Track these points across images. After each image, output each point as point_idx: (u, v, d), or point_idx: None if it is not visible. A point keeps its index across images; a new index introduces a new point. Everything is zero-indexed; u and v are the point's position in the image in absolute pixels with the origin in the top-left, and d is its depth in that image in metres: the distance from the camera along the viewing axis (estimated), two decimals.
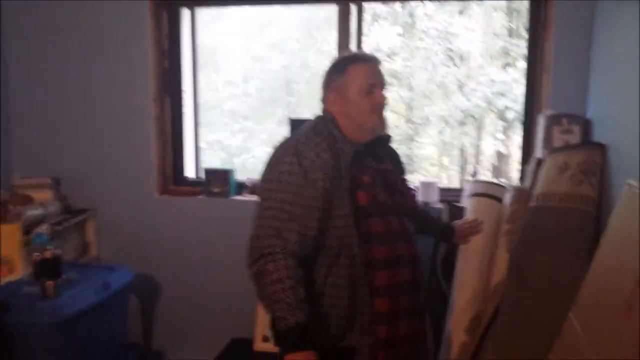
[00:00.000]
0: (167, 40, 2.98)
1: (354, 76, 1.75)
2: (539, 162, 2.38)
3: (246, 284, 1.68)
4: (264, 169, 1.74)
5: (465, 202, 2.47)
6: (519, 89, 4.32)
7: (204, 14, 3.10)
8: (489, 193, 2.43)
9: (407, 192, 1.98)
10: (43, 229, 2.45)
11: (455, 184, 3.66)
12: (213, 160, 4.48)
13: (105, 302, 2.33)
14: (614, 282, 1.48)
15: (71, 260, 2.74)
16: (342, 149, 1.72)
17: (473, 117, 4.68)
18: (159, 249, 3.00)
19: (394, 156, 1.97)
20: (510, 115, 4.38)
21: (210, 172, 2.98)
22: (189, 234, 2.97)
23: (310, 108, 4.98)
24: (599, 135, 2.25)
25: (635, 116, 1.85)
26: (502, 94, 4.40)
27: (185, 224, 2.97)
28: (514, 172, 4.87)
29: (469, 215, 2.38)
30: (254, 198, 2.89)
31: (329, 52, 4.94)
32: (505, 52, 4.91)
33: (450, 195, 2.70)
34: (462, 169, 5.12)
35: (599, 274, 1.60)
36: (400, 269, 1.74)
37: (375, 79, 1.77)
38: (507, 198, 2.39)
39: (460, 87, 4.67)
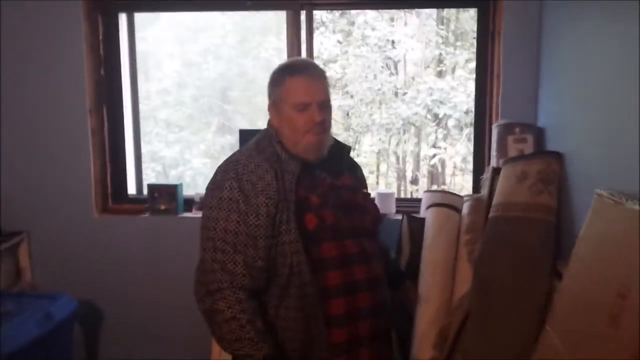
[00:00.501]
0: (103, 47, 2.79)
1: (289, 90, 1.60)
2: (495, 171, 2.39)
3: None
4: (205, 193, 1.63)
5: (424, 213, 2.45)
6: (458, 97, 4.43)
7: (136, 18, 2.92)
8: (447, 203, 2.42)
9: (368, 209, 1.79)
10: None
11: (393, 191, 3.66)
12: (148, 173, 4.27)
13: (48, 335, 2.13)
14: (594, 293, 1.48)
15: (4, 288, 2.49)
16: (286, 168, 1.60)
17: (413, 124, 4.73)
18: (101, 273, 2.79)
19: (353, 169, 1.86)
20: (450, 123, 4.46)
21: (154, 188, 2.81)
22: (134, 256, 2.78)
23: (247, 117, 4.90)
24: (553, 143, 2.29)
25: (589, 123, 1.90)
26: (442, 102, 4.47)
27: (129, 245, 2.78)
28: (450, 179, 4.98)
29: (428, 227, 2.36)
30: None
31: (267, 58, 4.88)
32: (440, 60, 5.00)
33: (406, 206, 2.67)
34: (400, 176, 5.17)
35: (576, 285, 1.61)
36: (358, 294, 1.62)
37: (310, 96, 1.59)
38: (465, 208, 2.40)
39: (398, 94, 4.71)
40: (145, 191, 2.89)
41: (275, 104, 1.65)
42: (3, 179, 2.76)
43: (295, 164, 1.61)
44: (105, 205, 2.87)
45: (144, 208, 2.82)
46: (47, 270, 2.80)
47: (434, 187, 4.72)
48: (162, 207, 2.79)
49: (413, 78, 4.75)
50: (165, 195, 2.79)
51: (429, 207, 2.44)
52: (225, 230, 1.52)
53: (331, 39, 4.53)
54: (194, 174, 4.89)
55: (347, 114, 4.92)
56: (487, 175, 2.48)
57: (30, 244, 2.79)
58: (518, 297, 2.00)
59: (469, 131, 4.32)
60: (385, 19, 4.62)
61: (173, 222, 2.76)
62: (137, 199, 2.90)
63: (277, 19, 4.55)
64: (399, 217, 2.53)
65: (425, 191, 2.58)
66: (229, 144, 4.66)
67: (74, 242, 2.79)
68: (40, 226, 2.79)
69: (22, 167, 2.76)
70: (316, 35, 4.45)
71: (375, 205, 1.92)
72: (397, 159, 5.09)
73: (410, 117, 4.62)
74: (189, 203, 2.83)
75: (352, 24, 4.56)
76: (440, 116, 4.49)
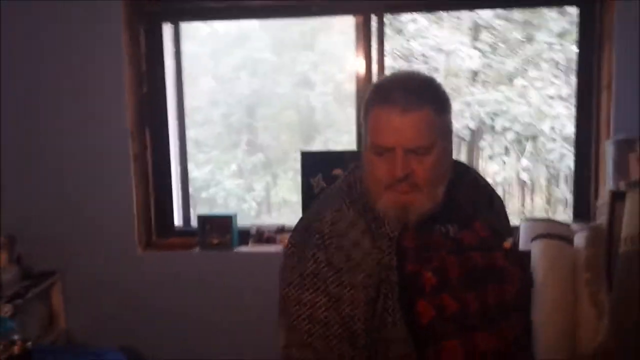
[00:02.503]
0: (146, 60, 2.45)
1: (370, 123, 1.12)
2: (616, 196, 2.04)
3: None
4: (284, 260, 1.21)
5: (528, 246, 2.10)
6: (517, 108, 4.07)
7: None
8: (556, 233, 2.08)
9: (510, 274, 1.20)
10: (5, 311, 1.86)
11: None
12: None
13: None
14: None
15: (40, 342, 2.14)
16: (382, 228, 1.14)
17: (462, 139, 4.38)
18: (146, 319, 2.44)
19: (489, 207, 1.29)
20: (509, 136, 4.11)
21: (205, 219, 2.46)
22: (183, 297, 2.43)
23: (273, 133, 4.61)
24: None
25: None
26: (496, 114, 4.12)
27: (178, 285, 2.43)
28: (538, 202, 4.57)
29: (536, 262, 2.01)
30: (264, 248, 2.44)
31: (302, 73, 4.58)
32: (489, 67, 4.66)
33: None
34: None
35: None
36: None
37: (393, 137, 1.07)
38: (580, 240, 2.05)
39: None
40: (193, 223, 2.55)
41: (363, 137, 1.18)
42: (34, 211, 2.41)
43: (393, 223, 1.13)
44: (149, 239, 2.52)
45: (193, 242, 2.47)
46: (84, 316, 2.44)
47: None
48: (215, 241, 2.44)
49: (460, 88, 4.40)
50: (217, 227, 2.45)
51: (534, 239, 2.09)
52: (311, 318, 1.13)
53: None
54: (226, 195, 4.59)
55: None
56: (603, 201, 2.13)
57: (65, 286, 2.43)
58: None
59: (531, 145, 3.97)
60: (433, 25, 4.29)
61: (227, 258, 2.42)
62: (185, 232, 2.56)
63: (312, 30, 4.22)
64: None
65: (525, 219, 2.23)
66: (261, 163, 4.37)
67: (115, 283, 2.44)
68: (75, 266, 2.44)
69: (54, 197, 2.42)
70: None
71: (523, 259, 1.40)
72: None
73: (459, 130, 4.27)
74: (243, 235, 2.48)
75: (400, 31, 4.23)
76: (497, 129, 4.13)
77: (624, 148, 2.10)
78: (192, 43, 4.20)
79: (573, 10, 2.37)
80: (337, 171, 2.37)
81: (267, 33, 4.35)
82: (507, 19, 4.14)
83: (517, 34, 4.23)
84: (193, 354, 2.40)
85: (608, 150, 2.15)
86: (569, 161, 3.33)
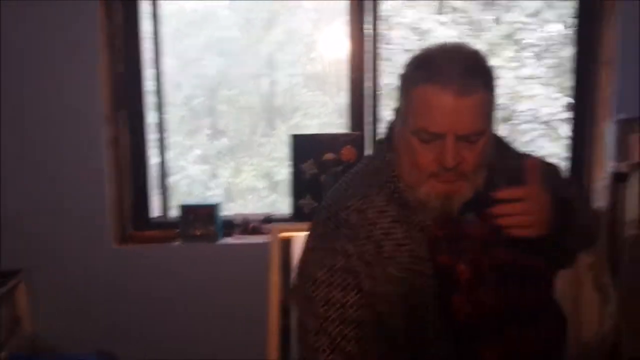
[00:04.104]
0: (122, 38, 2.24)
1: (416, 104, 0.98)
2: (619, 178, 2.02)
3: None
4: (303, 255, 1.11)
5: None
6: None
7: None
8: None
9: (536, 267, 1.09)
10: None
11: None
12: None
13: None
14: None
15: (3, 349, 1.92)
16: (414, 218, 1.04)
17: None
18: (124, 319, 2.25)
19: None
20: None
21: (187, 210, 2.29)
22: (164, 295, 2.25)
23: (236, 117, 4.44)
24: None
25: None
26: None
27: (158, 282, 2.25)
28: None
29: None
30: (250, 239, 2.29)
31: (269, 54, 4.41)
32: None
33: None
34: None
35: None
36: None
37: (446, 122, 0.95)
38: None
39: None
40: (171, 213, 2.39)
41: (399, 115, 1.05)
42: None
43: (426, 212, 1.03)
44: (125, 232, 2.32)
45: (174, 234, 2.29)
46: (54, 318, 2.22)
47: None
48: (198, 232, 2.27)
49: None
50: (200, 218, 2.28)
51: None
52: (343, 319, 1.02)
53: None
54: (190, 182, 4.40)
55: None
56: (604, 183, 2.11)
57: (31, 286, 2.20)
58: None
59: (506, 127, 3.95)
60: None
61: (212, 250, 2.26)
62: (164, 224, 2.37)
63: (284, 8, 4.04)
64: None
65: None
66: (226, 148, 4.20)
67: (88, 281, 2.23)
68: (43, 262, 2.20)
69: (20, 187, 2.17)
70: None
71: (545, 247, 1.05)
72: None
73: None
74: (227, 226, 2.33)
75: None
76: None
77: (625, 129, 2.08)
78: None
79: None
80: (329, 156, 2.25)
81: (235, 12, 4.16)
82: None
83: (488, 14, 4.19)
84: (177, 355, 2.23)
85: (608, 131, 2.13)
86: (545, 143, 3.32)
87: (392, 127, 1.10)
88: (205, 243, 2.26)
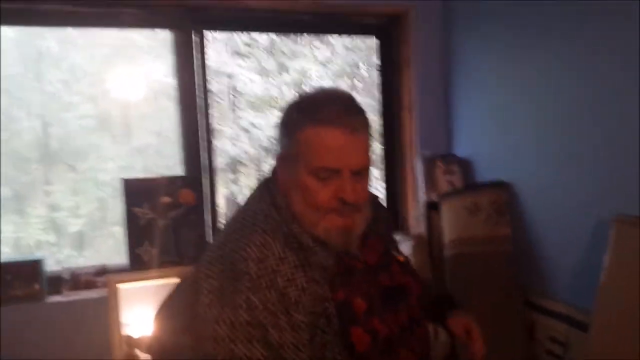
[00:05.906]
0: None
1: (310, 145, 1.04)
2: (432, 206, 2.33)
3: None
4: (200, 318, 1.01)
5: None
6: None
7: None
8: None
9: (410, 286, 1.20)
10: None
11: None
12: None
13: None
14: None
15: None
16: (313, 259, 1.07)
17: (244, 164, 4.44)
18: None
19: (376, 217, 1.23)
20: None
21: (4, 268, 2.03)
22: None
23: (25, 167, 4.00)
24: (484, 173, 2.31)
25: (528, 154, 2.03)
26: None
27: None
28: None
29: None
30: (83, 295, 2.11)
31: (53, 92, 4.05)
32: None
33: None
34: None
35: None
36: None
37: (342, 159, 1.03)
38: (404, 248, 2.29)
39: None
40: None
41: (285, 159, 1.10)
42: None
43: (324, 252, 1.07)
44: None
45: None
46: None
47: None
48: (19, 292, 2.03)
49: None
50: (22, 276, 2.05)
51: None
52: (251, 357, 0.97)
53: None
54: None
55: None
56: (418, 211, 2.40)
57: None
58: (498, 334, 1.95)
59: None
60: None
61: (38, 312, 2.04)
62: None
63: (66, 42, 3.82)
64: None
65: None
66: (7, 198, 3.74)
67: None
68: None
69: None
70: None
71: (412, 268, 1.28)
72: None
73: (239, 155, 4.33)
74: (54, 283, 2.12)
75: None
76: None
77: (430, 164, 2.39)
78: None
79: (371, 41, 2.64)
80: (166, 199, 2.20)
81: (19, 45, 3.76)
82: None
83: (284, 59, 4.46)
84: None
85: (417, 167, 2.44)
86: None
87: (275, 172, 1.14)
88: (30, 303, 2.02)
